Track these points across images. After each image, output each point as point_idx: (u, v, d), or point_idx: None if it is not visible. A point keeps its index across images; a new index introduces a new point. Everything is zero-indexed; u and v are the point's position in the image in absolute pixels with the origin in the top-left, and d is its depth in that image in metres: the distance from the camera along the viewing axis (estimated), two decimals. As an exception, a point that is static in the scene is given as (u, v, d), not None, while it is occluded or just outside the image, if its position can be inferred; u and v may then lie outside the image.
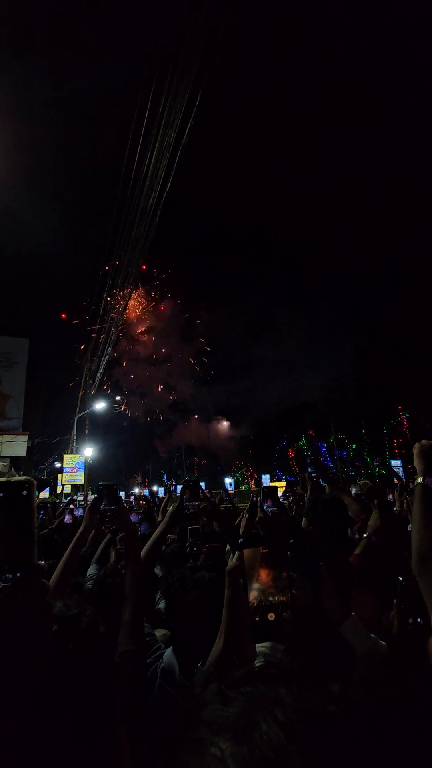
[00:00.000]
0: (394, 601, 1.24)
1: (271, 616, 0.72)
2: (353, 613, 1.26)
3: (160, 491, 21.83)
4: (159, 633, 1.84)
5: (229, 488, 22.26)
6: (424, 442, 1.25)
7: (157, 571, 2.63)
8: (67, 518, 4.20)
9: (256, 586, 0.75)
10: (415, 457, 1.22)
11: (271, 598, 0.73)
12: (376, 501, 2.38)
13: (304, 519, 2.78)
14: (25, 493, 0.62)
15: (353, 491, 7.51)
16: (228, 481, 23.99)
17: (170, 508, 1.99)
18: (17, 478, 0.63)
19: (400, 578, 1.22)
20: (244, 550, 0.78)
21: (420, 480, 1.16)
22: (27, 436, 22.76)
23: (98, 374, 25.24)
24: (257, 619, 0.72)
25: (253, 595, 0.74)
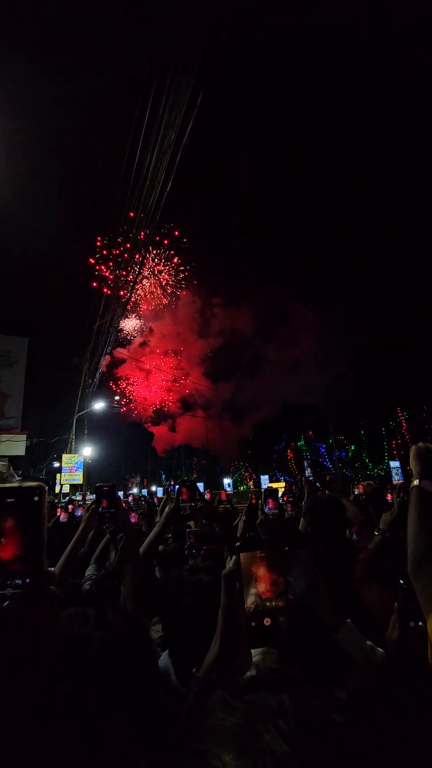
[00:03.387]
0: (395, 604, 1.24)
1: (267, 621, 0.72)
2: (349, 620, 1.26)
3: (159, 491, 21.79)
4: (154, 634, 1.84)
5: (228, 488, 22.24)
6: (420, 444, 1.24)
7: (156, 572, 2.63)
8: (63, 517, 4.19)
9: (253, 590, 0.75)
10: (411, 459, 1.22)
11: (267, 603, 0.73)
12: (398, 499, 2.38)
13: (302, 520, 2.79)
14: (36, 498, 0.62)
15: (355, 492, 7.50)
16: (227, 481, 23.98)
17: (166, 509, 1.99)
18: (29, 483, 0.64)
19: (401, 581, 1.21)
20: (242, 554, 0.78)
21: (416, 482, 1.16)
22: (26, 436, 22.77)
23: (97, 373, 25.22)
24: (253, 624, 0.72)
25: (250, 599, 0.74)
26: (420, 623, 1.12)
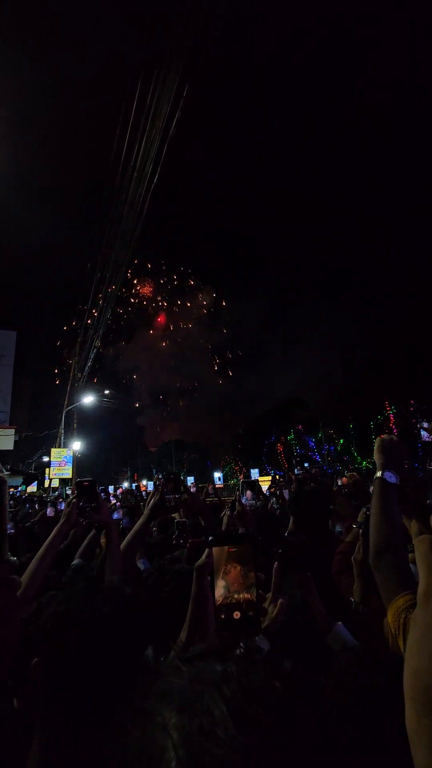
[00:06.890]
0: (360, 531, 1.29)
1: (237, 615, 0.73)
2: (339, 623, 1.28)
3: (149, 485, 21.76)
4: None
5: (218, 482, 22.29)
6: (384, 436, 1.24)
7: (140, 564, 2.64)
8: (50, 511, 4.18)
9: (222, 583, 0.76)
10: (375, 451, 1.20)
11: (236, 596, 0.75)
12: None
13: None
14: None
15: (338, 484, 7.58)
16: (217, 475, 24.04)
17: (151, 501, 2.01)
18: None
19: (366, 509, 1.26)
20: (214, 548, 0.80)
21: (379, 474, 1.15)
22: (14, 430, 22.50)
23: (86, 367, 24.98)
24: (222, 616, 0.74)
25: (219, 592, 0.76)
26: None
